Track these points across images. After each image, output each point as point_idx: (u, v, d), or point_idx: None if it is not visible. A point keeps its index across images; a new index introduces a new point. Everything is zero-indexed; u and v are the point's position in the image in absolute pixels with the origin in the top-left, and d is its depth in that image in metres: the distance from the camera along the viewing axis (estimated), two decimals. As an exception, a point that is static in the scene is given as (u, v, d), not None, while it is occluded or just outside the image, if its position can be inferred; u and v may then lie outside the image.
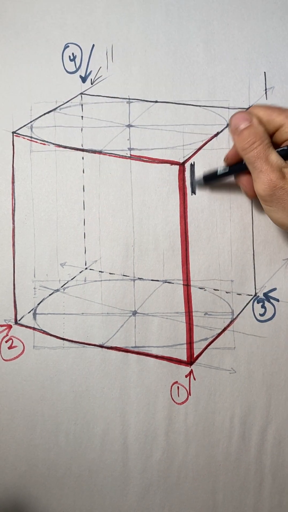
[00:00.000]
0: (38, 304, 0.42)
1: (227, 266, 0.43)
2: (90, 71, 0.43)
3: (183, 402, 0.43)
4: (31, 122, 0.43)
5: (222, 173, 0.41)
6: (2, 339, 0.42)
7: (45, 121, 0.43)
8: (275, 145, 0.38)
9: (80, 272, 0.43)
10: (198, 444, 0.43)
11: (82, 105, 0.43)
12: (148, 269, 0.43)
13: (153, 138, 0.43)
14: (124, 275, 0.43)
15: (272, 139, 0.38)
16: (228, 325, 0.43)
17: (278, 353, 0.43)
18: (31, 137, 0.43)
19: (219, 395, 0.43)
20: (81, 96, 0.43)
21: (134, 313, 0.43)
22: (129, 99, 0.43)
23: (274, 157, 0.36)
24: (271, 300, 0.43)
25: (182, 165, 0.43)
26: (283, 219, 0.37)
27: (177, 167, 0.43)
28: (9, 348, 0.42)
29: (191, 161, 0.43)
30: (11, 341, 0.42)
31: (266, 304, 0.43)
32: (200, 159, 0.43)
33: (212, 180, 0.42)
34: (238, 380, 0.43)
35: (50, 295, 0.42)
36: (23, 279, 0.42)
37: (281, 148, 0.37)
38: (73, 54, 0.43)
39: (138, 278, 0.43)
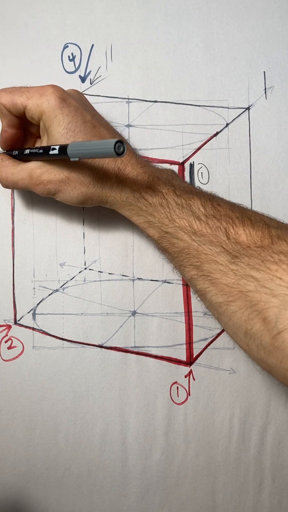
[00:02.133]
0: (38, 304, 0.42)
1: (226, 266, 0.43)
2: (90, 71, 0.43)
3: (182, 402, 0.43)
4: (30, 122, 0.43)
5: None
6: (2, 339, 0.42)
7: (45, 121, 0.43)
8: (28, 123, 0.38)
9: (79, 272, 0.43)
10: (198, 444, 0.43)
11: (81, 105, 0.43)
12: (147, 269, 0.43)
13: (153, 138, 0.43)
14: (123, 275, 0.43)
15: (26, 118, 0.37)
16: (228, 325, 0.43)
17: (277, 353, 0.43)
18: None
19: (219, 395, 0.43)
20: (81, 96, 0.43)
21: (134, 313, 0.43)
22: (128, 99, 0.43)
23: (21, 167, 0.37)
24: (271, 300, 0.43)
25: (181, 165, 0.43)
26: (69, 199, 0.37)
27: (176, 167, 0.43)
28: (9, 348, 0.42)
29: (190, 161, 0.43)
30: (10, 341, 0.42)
31: (266, 304, 0.43)
32: (200, 159, 0.43)
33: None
34: (238, 380, 0.43)
35: (49, 295, 0.42)
36: (22, 279, 0.42)
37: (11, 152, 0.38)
38: (72, 54, 0.43)
39: (138, 278, 0.43)
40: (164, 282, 0.43)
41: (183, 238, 0.35)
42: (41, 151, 0.35)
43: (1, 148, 0.39)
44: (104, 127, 0.36)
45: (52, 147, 0.34)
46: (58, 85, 0.36)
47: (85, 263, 0.43)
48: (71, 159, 0.32)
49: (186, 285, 0.43)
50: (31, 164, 0.37)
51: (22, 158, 0.38)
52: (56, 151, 0.33)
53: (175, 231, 0.35)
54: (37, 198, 0.43)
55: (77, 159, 0.32)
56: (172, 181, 0.37)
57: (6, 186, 0.38)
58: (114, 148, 0.29)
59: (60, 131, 0.35)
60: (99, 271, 0.43)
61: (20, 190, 0.42)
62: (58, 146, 0.33)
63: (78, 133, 0.35)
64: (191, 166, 0.43)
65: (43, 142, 0.37)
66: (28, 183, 0.37)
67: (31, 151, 0.36)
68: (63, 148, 0.33)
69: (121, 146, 0.30)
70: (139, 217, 0.37)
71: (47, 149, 0.34)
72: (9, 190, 0.42)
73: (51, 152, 0.34)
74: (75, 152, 0.32)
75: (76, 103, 0.36)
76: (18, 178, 0.37)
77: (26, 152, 0.37)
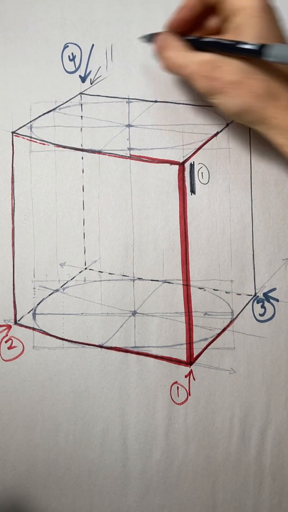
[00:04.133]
0: (38, 304, 0.42)
1: (226, 266, 0.43)
2: (90, 71, 0.43)
3: (182, 402, 0.43)
4: (30, 122, 0.43)
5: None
6: (2, 339, 0.42)
7: (45, 121, 0.43)
8: (209, 13, 0.37)
9: (79, 272, 0.43)
10: (198, 445, 0.43)
11: (81, 105, 0.43)
12: (147, 269, 0.43)
13: (153, 138, 0.43)
14: (123, 275, 0.43)
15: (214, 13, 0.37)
16: (228, 325, 0.43)
17: (278, 353, 0.43)
18: (30, 137, 0.43)
19: (219, 396, 0.43)
20: (81, 96, 0.43)
21: (134, 313, 0.43)
22: (128, 98, 0.43)
23: (194, 56, 0.36)
24: (271, 300, 0.43)
25: (181, 165, 0.43)
26: (228, 104, 0.36)
27: (176, 167, 0.43)
28: (9, 348, 0.42)
29: (190, 161, 0.43)
30: (10, 341, 0.42)
31: (266, 304, 0.43)
32: (200, 159, 0.43)
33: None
34: (238, 380, 0.43)
35: (49, 295, 0.42)
36: (22, 279, 0.42)
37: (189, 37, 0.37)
38: (72, 54, 0.43)
39: (138, 278, 0.43)
40: (165, 282, 0.43)
41: None
42: (230, 42, 0.33)
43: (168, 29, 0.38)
44: None
45: (249, 43, 0.32)
46: None
47: (85, 263, 0.43)
48: (269, 58, 0.31)
49: (186, 285, 0.43)
50: (207, 54, 0.35)
51: (194, 46, 0.36)
52: (254, 47, 0.32)
53: None
54: (37, 198, 0.43)
55: (273, 59, 0.30)
56: None
57: (167, 67, 0.37)
58: None
59: (252, 35, 0.33)
60: (99, 271, 0.43)
61: (22, 190, 0.42)
62: (259, 44, 0.32)
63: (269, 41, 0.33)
64: (191, 166, 0.43)
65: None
66: (194, 72, 0.35)
67: (213, 39, 0.35)
68: (264, 47, 0.31)
69: None
70: None
71: (239, 42, 0.33)
72: (9, 190, 0.42)
73: (246, 46, 0.32)
74: (278, 52, 0.30)
75: (277, 16, 0.35)
76: (186, 63, 0.35)
77: (206, 40, 0.35)
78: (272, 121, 0.35)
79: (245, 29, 0.34)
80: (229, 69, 0.34)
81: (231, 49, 0.34)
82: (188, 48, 0.37)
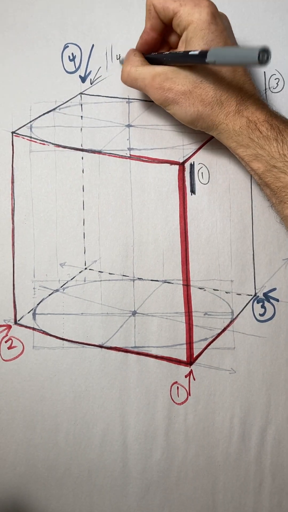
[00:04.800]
0: (38, 304, 0.42)
1: (227, 266, 0.43)
2: (90, 71, 0.43)
3: (182, 402, 0.43)
4: (30, 122, 0.43)
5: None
6: (2, 339, 0.42)
7: (45, 121, 0.43)
8: (169, 32, 0.39)
9: (79, 272, 0.43)
10: (198, 444, 0.43)
11: (81, 105, 0.43)
12: (147, 269, 0.43)
13: (153, 138, 0.43)
14: (123, 275, 0.43)
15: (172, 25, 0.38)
16: (228, 325, 0.43)
17: (278, 353, 0.43)
18: (30, 137, 0.43)
19: (219, 395, 0.43)
20: (81, 96, 0.43)
21: (134, 313, 0.43)
22: (128, 99, 0.43)
23: (148, 70, 0.38)
24: (271, 300, 0.43)
25: (182, 165, 0.43)
26: (182, 113, 0.38)
27: (176, 167, 0.43)
28: (9, 348, 0.42)
29: (191, 161, 0.43)
30: (10, 341, 0.42)
31: (266, 304, 0.43)
32: (200, 159, 0.43)
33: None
34: (238, 380, 0.43)
35: (49, 295, 0.42)
36: (22, 279, 0.42)
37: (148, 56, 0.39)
38: (72, 54, 0.43)
39: (138, 278, 0.43)
40: (165, 282, 0.43)
41: None
42: (179, 52, 0.36)
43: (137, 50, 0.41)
44: None
45: (192, 50, 0.35)
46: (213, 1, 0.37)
47: (85, 263, 0.43)
48: (207, 60, 0.33)
49: (186, 285, 0.43)
50: (159, 67, 0.38)
51: (154, 62, 0.39)
52: (196, 52, 0.34)
53: (284, 166, 0.36)
54: (37, 198, 0.43)
55: (214, 61, 0.32)
56: None
57: (125, 81, 0.39)
58: (258, 56, 0.30)
59: (201, 45, 0.36)
60: (99, 271, 0.43)
61: (22, 190, 0.42)
62: (200, 50, 0.34)
63: None
64: (192, 166, 0.43)
65: None
66: (148, 84, 0.38)
67: (166, 53, 0.38)
68: (204, 52, 0.33)
69: (265, 54, 0.30)
70: (247, 149, 0.37)
71: (186, 52, 0.35)
72: (9, 190, 0.42)
73: (190, 53, 0.35)
74: (215, 54, 0.32)
75: (223, 25, 0.37)
76: (140, 76, 0.38)
77: (160, 54, 0.38)
78: (222, 126, 0.38)
79: (194, 41, 0.36)
80: (180, 80, 0.37)
81: (180, 59, 0.36)
82: (145, 63, 0.39)
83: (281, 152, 0.36)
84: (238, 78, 0.37)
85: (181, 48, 0.38)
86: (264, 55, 0.30)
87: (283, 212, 0.38)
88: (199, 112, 0.37)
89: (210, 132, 0.39)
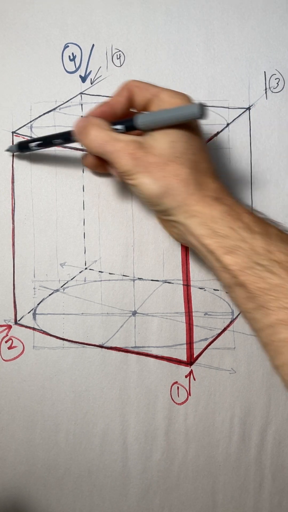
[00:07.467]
0: (38, 304, 0.42)
1: (227, 266, 0.43)
2: (90, 71, 0.43)
3: (183, 403, 0.43)
4: (31, 122, 0.43)
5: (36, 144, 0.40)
6: (2, 339, 0.42)
7: (45, 120, 0.43)
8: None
9: (80, 272, 0.43)
10: (198, 445, 0.43)
11: (81, 104, 0.43)
12: (148, 269, 0.43)
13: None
14: (124, 275, 0.43)
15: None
16: (228, 325, 0.43)
17: (278, 353, 0.43)
18: (30, 137, 0.43)
19: (219, 395, 0.43)
20: (81, 95, 0.43)
21: (134, 313, 0.43)
22: (128, 99, 0.43)
23: (120, 136, 0.35)
24: (271, 300, 0.43)
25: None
26: (150, 184, 0.33)
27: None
28: (9, 348, 0.42)
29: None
30: (11, 341, 0.42)
31: (266, 304, 0.43)
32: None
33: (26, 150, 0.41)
34: (238, 380, 0.43)
35: (50, 295, 0.42)
36: (23, 279, 0.42)
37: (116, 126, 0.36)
38: (73, 54, 0.43)
39: (138, 278, 0.43)
40: (165, 282, 0.43)
41: (280, 274, 0.30)
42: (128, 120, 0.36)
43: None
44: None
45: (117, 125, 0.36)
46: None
47: (85, 263, 0.43)
48: (140, 124, 0.33)
49: (187, 285, 0.43)
50: (132, 136, 0.35)
51: None
52: (131, 120, 0.35)
53: (270, 264, 0.31)
54: (37, 198, 0.43)
55: (146, 124, 0.33)
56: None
57: (91, 145, 0.35)
58: (196, 110, 0.32)
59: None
60: (99, 271, 0.43)
61: (22, 190, 0.42)
62: (133, 117, 0.35)
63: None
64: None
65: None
66: (120, 149, 0.34)
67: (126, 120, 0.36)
68: (135, 117, 0.34)
69: (202, 109, 0.32)
70: (224, 240, 0.32)
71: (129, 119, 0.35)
72: (9, 190, 0.42)
73: (115, 126, 0.35)
74: (144, 121, 0.33)
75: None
76: (112, 139, 0.34)
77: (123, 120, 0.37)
78: (195, 208, 0.33)
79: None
80: (156, 150, 0.33)
81: (127, 126, 0.35)
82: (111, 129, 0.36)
83: (266, 248, 0.31)
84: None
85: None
86: (201, 109, 0.32)
87: (262, 320, 0.31)
88: (171, 187, 0.33)
89: (174, 213, 0.34)
